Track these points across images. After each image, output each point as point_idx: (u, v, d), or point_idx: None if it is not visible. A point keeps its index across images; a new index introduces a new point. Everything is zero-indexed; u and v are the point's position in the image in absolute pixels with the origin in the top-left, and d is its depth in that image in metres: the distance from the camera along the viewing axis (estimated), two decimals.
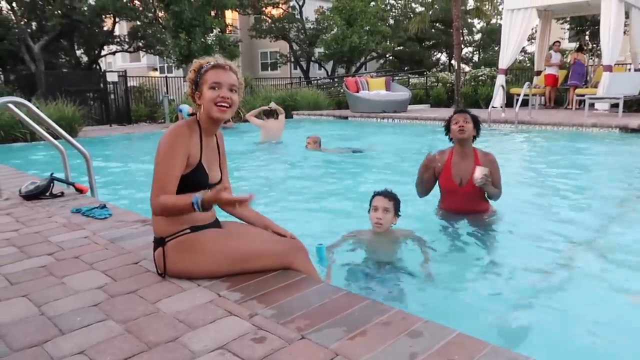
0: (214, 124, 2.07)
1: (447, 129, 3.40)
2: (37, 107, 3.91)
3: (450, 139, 3.42)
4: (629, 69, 12.62)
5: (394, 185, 3.08)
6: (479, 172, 3.10)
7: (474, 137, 3.35)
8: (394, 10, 29.18)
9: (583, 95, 10.95)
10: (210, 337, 1.55)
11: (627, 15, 11.62)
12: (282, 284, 1.93)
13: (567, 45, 21.02)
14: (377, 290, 2.46)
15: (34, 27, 18.80)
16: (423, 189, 3.46)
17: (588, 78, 12.51)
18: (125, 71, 14.82)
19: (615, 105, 10.25)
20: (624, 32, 11.84)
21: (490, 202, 3.44)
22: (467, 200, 3.34)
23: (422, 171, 3.33)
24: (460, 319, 2.07)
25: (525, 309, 2.32)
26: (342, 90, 15.82)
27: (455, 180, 3.33)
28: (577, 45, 13.50)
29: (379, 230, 2.90)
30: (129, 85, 14.51)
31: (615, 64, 11.20)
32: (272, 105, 8.31)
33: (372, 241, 2.95)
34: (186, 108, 11.11)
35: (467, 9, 26.38)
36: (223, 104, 1.97)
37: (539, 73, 13.48)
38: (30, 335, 1.59)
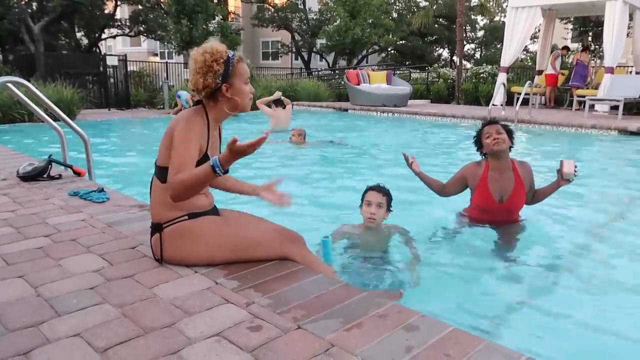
0: (228, 116, 2.06)
1: (479, 144, 3.16)
2: (36, 88, 3.87)
3: (484, 155, 3.18)
4: (630, 72, 12.63)
5: (383, 179, 3.06)
6: (570, 167, 2.84)
7: (510, 147, 3.09)
8: (397, 4, 29.08)
9: (584, 96, 10.96)
10: (206, 324, 1.55)
11: (630, 18, 11.60)
12: (280, 274, 1.93)
13: (569, 45, 20.99)
14: (370, 284, 2.46)
15: (34, 8, 18.63)
16: (441, 194, 3.34)
17: (589, 79, 12.51)
18: (125, 55, 14.71)
19: (615, 108, 10.26)
20: (627, 35, 11.83)
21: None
22: (506, 215, 3.16)
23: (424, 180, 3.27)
24: (455, 315, 2.08)
25: (520, 307, 2.34)
26: (342, 83, 15.79)
27: (495, 197, 3.09)
28: (581, 46, 13.45)
29: (371, 225, 2.88)
30: (128, 69, 14.42)
31: (616, 66, 11.19)
32: (277, 94, 8.38)
33: (364, 235, 2.94)
34: (184, 94, 11.04)
35: (471, 5, 26.27)
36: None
37: (540, 72, 13.47)
38: (26, 316, 1.59)
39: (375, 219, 2.84)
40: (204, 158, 1.96)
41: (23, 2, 17.71)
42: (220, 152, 2.14)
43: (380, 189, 2.90)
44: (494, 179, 3.08)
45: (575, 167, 2.87)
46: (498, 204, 3.10)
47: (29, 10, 17.95)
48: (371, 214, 2.83)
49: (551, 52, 13.31)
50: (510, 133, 3.08)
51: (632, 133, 8.37)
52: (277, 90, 9.00)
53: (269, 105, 8.40)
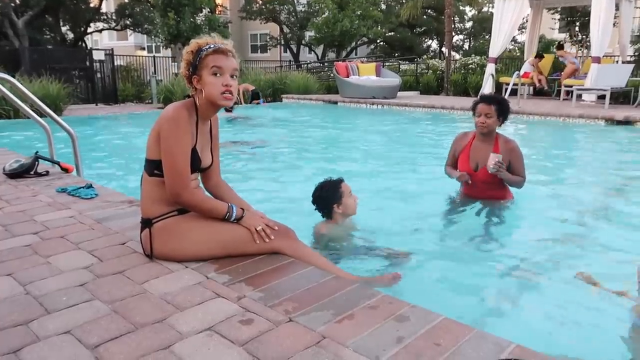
0: (214, 110, 2.03)
1: (474, 112, 3.28)
2: (21, 84, 3.82)
3: None
4: (617, 61, 12.72)
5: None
6: (492, 160, 3.11)
7: (502, 123, 3.26)
8: None
9: (571, 86, 11.04)
10: (198, 319, 1.55)
11: (617, 8, 11.66)
12: (271, 267, 1.93)
13: (556, 36, 21.12)
14: (365, 272, 2.47)
15: (17, 2, 18.31)
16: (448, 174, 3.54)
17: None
18: (112, 49, 14.53)
19: (602, 97, 10.34)
20: (614, 24, 11.90)
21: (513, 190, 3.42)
22: (483, 186, 3.31)
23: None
24: (446, 304, 2.10)
25: (510, 296, 2.36)
26: (332, 75, 15.72)
27: (471, 164, 3.29)
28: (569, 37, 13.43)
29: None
30: (115, 64, 14.25)
31: (603, 56, 11.27)
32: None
33: (340, 229, 2.94)
34: None
35: None
36: (227, 92, 1.93)
37: None
38: (15, 314, 1.58)
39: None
40: (191, 153, 1.95)
41: None
42: (210, 147, 2.13)
43: (341, 179, 2.94)
44: (475, 147, 3.30)
45: (497, 162, 3.08)
46: (473, 172, 3.28)
47: (12, 5, 17.64)
48: (356, 200, 2.91)
49: (539, 41, 13.33)
50: (503, 111, 3.18)
51: (619, 122, 8.46)
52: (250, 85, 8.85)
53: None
